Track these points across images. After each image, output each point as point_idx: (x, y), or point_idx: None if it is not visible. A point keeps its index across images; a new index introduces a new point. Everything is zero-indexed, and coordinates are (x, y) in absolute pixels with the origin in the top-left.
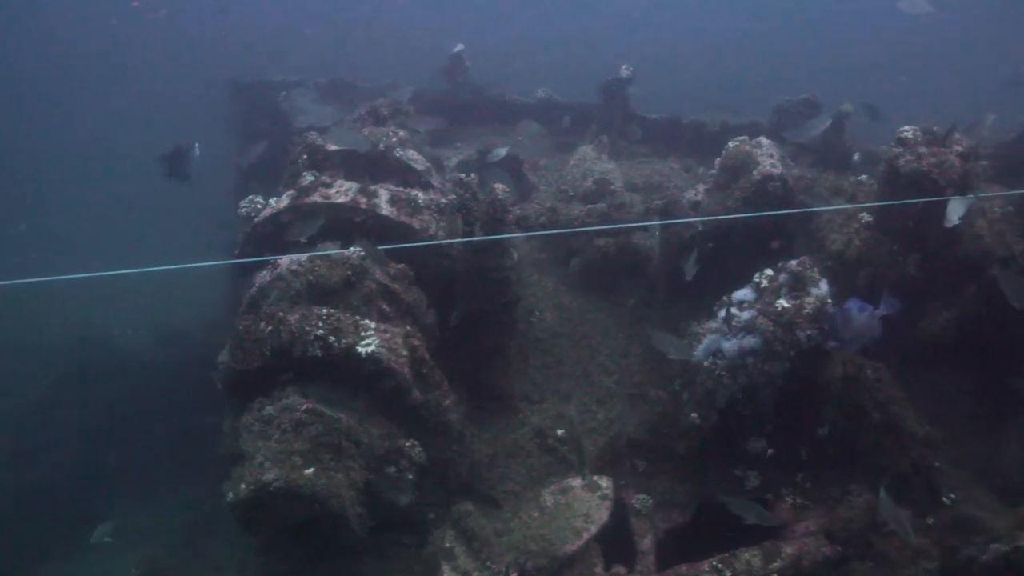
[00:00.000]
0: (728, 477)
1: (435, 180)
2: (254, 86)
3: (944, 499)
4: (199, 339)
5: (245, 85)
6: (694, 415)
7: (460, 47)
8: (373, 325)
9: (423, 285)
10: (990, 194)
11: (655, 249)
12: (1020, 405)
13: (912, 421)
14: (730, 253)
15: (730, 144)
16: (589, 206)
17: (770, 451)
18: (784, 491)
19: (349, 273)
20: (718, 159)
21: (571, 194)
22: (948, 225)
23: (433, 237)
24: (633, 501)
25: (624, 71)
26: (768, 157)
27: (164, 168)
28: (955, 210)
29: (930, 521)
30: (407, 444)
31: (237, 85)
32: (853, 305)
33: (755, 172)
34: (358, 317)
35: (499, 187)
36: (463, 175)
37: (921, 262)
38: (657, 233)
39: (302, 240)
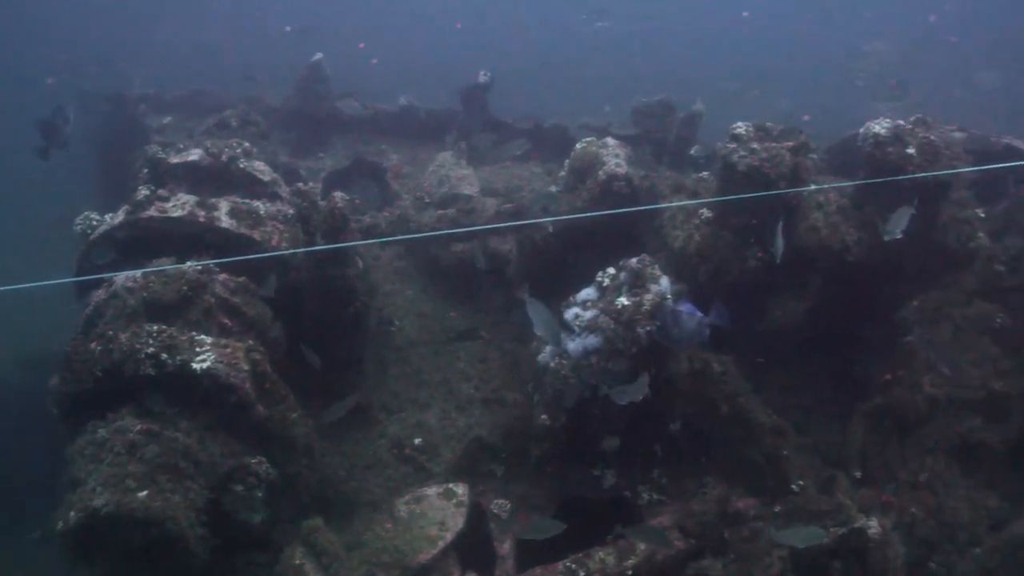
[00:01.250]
0: (585, 477)
1: (284, 190)
2: (112, 98)
3: (793, 486)
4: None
5: (102, 97)
6: (544, 417)
7: (319, 56)
8: (210, 340)
9: (269, 297)
10: (824, 186)
11: (513, 252)
12: (864, 391)
13: (760, 412)
14: (582, 253)
15: (578, 145)
16: (439, 212)
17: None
18: (641, 488)
19: (185, 288)
20: (567, 160)
21: (427, 201)
22: (888, 238)
23: (276, 248)
24: (492, 506)
25: (482, 76)
26: (614, 157)
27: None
28: (896, 223)
29: (778, 508)
30: (253, 461)
31: (89, 95)
32: (684, 308)
33: (601, 172)
34: (194, 333)
35: (338, 195)
36: (301, 185)
37: (759, 255)
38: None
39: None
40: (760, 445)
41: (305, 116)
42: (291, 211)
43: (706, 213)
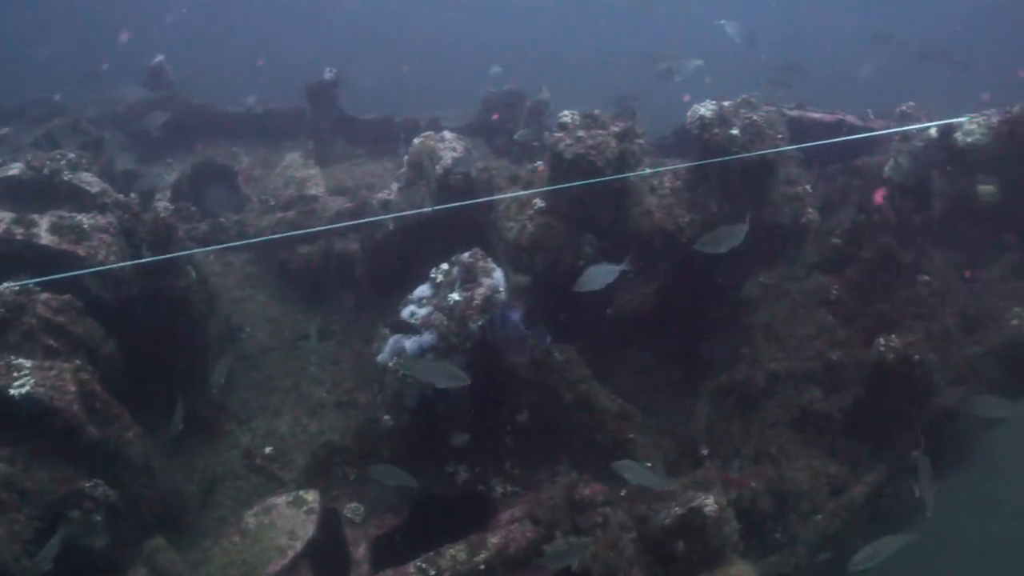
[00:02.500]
0: (438, 474)
1: (125, 198)
2: None
3: None
4: None
5: None
6: (387, 418)
7: (160, 57)
8: (29, 364)
9: (100, 313)
10: (653, 170)
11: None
12: (709, 370)
13: (604, 397)
14: (424, 249)
15: (416, 140)
16: (279, 215)
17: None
18: (494, 481)
19: (2, 311)
20: (405, 156)
21: (272, 203)
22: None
23: (103, 263)
24: (345, 511)
25: (328, 73)
26: (451, 151)
27: None
28: (717, 242)
29: (623, 492)
30: (88, 485)
31: None
32: (510, 314)
33: (438, 167)
34: (12, 357)
35: (162, 205)
36: (122, 196)
37: (595, 241)
38: None
39: None
40: (606, 430)
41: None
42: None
43: (539, 203)
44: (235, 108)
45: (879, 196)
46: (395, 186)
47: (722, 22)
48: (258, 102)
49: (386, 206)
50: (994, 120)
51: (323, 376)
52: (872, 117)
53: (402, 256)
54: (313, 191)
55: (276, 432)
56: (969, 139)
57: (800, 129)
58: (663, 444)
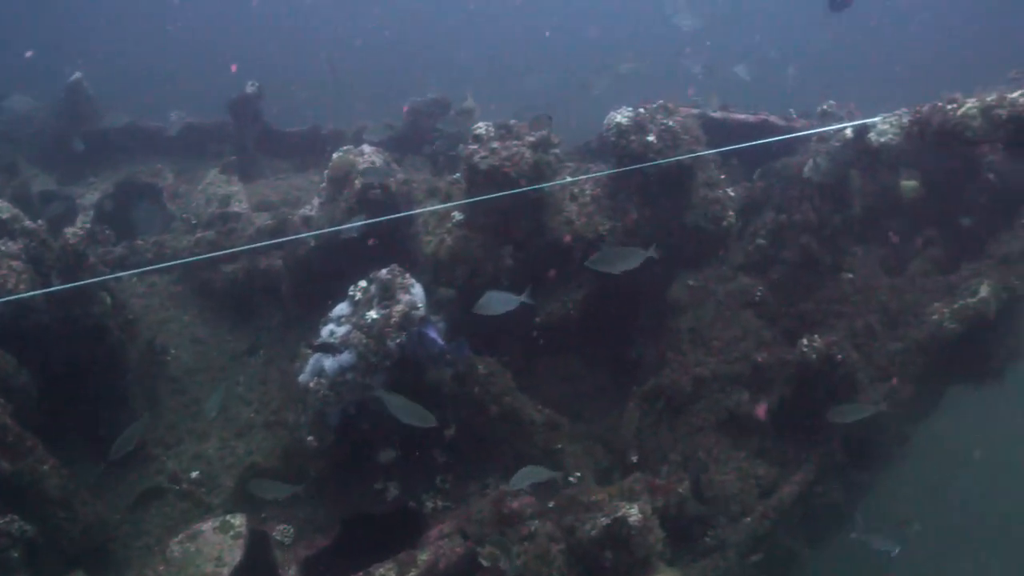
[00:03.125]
0: (368, 492)
1: (31, 225)
2: None
3: (571, 478)
4: None
5: None
6: (311, 439)
7: (77, 75)
8: None
9: (12, 344)
10: (572, 179)
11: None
12: (638, 375)
13: (530, 409)
14: (349, 264)
15: (335, 155)
16: (198, 234)
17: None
18: (425, 496)
19: None
20: (326, 171)
21: (194, 222)
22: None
23: (11, 292)
24: (275, 533)
25: (250, 87)
26: (369, 164)
27: None
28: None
29: (551, 504)
30: (3, 521)
31: None
32: (428, 331)
33: (357, 181)
34: None
35: (70, 231)
36: (29, 223)
37: (514, 252)
38: None
39: None
40: (534, 441)
41: (69, 139)
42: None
43: (457, 216)
44: (160, 124)
45: None
46: (316, 201)
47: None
48: (179, 117)
49: (308, 222)
50: (905, 120)
51: (250, 396)
52: (795, 117)
53: (326, 272)
54: (236, 208)
55: (203, 455)
56: (882, 139)
57: (725, 130)
58: (594, 451)
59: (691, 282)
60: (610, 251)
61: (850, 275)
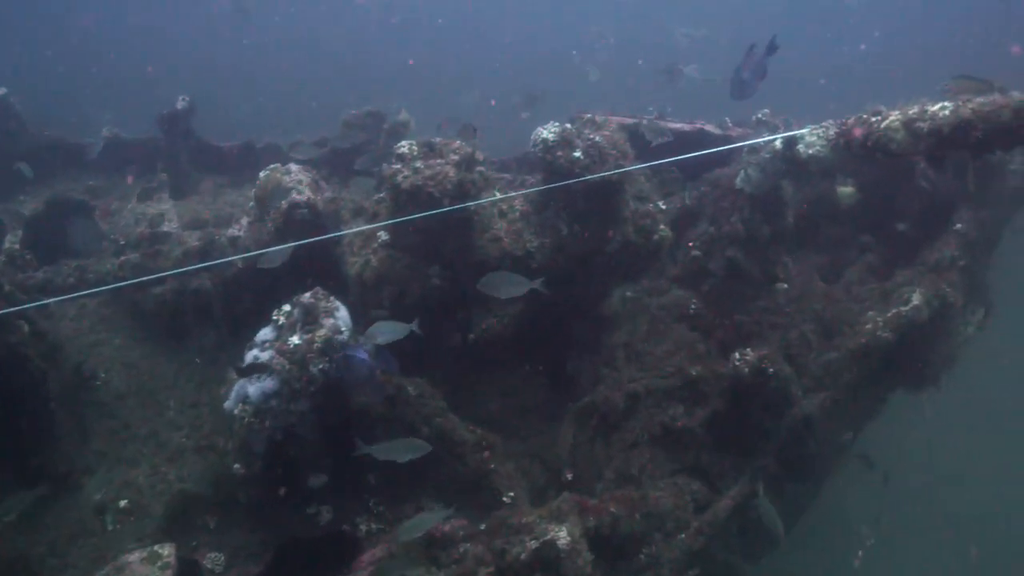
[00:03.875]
0: (300, 517)
1: None
2: None
3: (504, 498)
4: None
5: None
6: (237, 466)
7: (2, 91)
8: None
9: None
10: (493, 198)
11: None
12: (575, 390)
13: (462, 429)
14: (279, 284)
15: (261, 174)
16: (122, 258)
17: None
18: (359, 519)
19: None
20: (253, 190)
21: (122, 243)
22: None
23: None
24: (205, 561)
25: (180, 102)
26: (296, 184)
27: None
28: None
29: (483, 526)
30: None
31: None
32: (355, 353)
33: (283, 201)
34: None
35: None
36: None
37: (442, 272)
38: None
39: None
40: (467, 461)
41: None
42: None
43: (383, 236)
44: (90, 140)
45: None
46: (245, 220)
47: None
48: (111, 132)
49: (235, 243)
50: (832, 132)
51: (182, 421)
52: (730, 125)
53: (257, 292)
54: (166, 227)
55: (133, 483)
56: (811, 151)
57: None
58: (530, 469)
59: (625, 296)
60: (497, 276)
61: (785, 285)
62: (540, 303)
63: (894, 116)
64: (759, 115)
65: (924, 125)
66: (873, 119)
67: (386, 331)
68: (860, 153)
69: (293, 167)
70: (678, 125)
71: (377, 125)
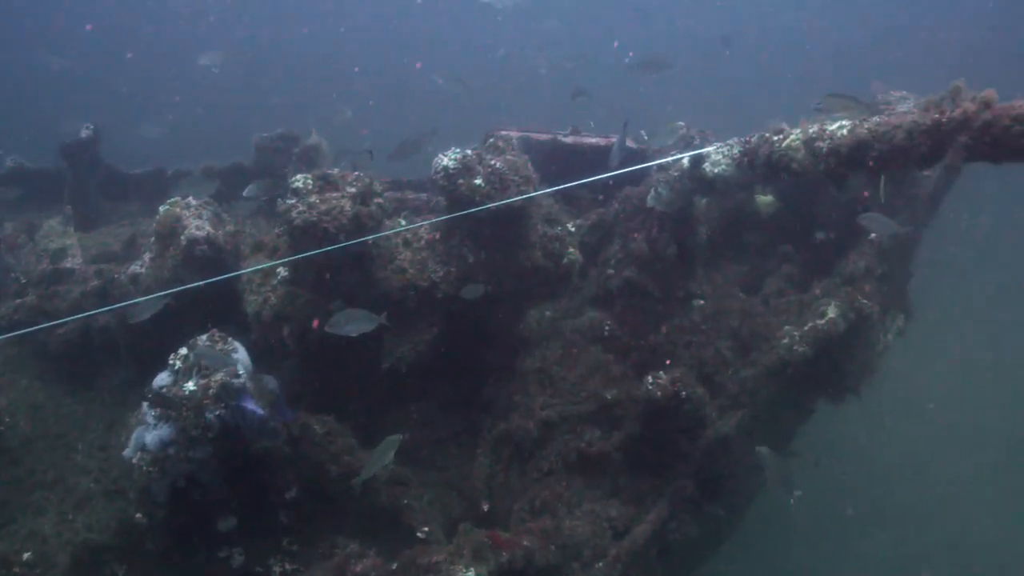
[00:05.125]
0: (213, 561)
1: None
2: None
3: (419, 534)
4: None
5: None
6: (139, 515)
7: None
8: None
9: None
10: (388, 231)
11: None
12: (489, 417)
13: None
14: (184, 321)
15: (161, 208)
16: (17, 301)
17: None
18: (272, 560)
19: None
20: (153, 224)
21: (23, 280)
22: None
23: None
24: None
25: (84, 131)
26: (196, 218)
27: None
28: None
29: (394, 566)
30: None
31: None
32: (246, 404)
33: (182, 237)
34: None
35: None
36: None
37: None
38: None
39: None
40: (380, 498)
41: None
42: None
43: (282, 272)
44: None
45: None
46: (147, 256)
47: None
48: (16, 163)
49: (136, 280)
50: (736, 151)
51: (91, 464)
52: (647, 138)
53: (161, 331)
54: (69, 263)
55: (39, 533)
56: (716, 170)
57: (576, 155)
58: (448, 500)
59: (538, 320)
60: (344, 314)
61: (701, 301)
62: (454, 330)
63: (795, 135)
64: (675, 126)
65: (823, 145)
66: (775, 137)
67: (352, 322)
68: (764, 172)
69: (193, 200)
70: (594, 140)
71: (290, 148)
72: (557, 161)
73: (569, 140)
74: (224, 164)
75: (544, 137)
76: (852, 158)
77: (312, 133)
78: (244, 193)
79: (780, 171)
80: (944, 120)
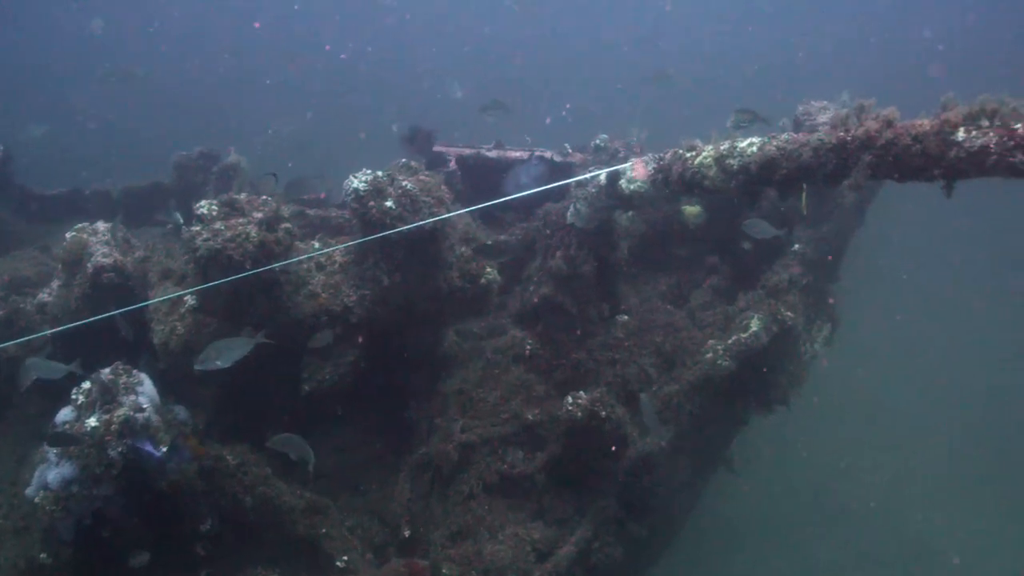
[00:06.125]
0: None
1: None
2: None
3: (338, 562)
4: None
5: None
6: (43, 555)
7: None
8: None
9: None
10: (311, 253)
11: None
12: (411, 440)
13: (288, 495)
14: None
15: (68, 235)
16: None
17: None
18: None
19: None
20: (59, 250)
21: None
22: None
23: None
24: None
25: None
26: (103, 245)
27: None
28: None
29: None
30: None
31: None
32: (142, 445)
33: (88, 265)
34: None
35: None
36: None
37: (255, 334)
38: None
39: None
40: (297, 528)
41: None
42: None
43: (190, 301)
44: None
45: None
46: (55, 284)
47: None
48: None
49: (43, 309)
50: (651, 167)
51: (0, 500)
52: (571, 152)
53: (70, 360)
54: None
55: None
56: (632, 186)
57: (500, 168)
58: (369, 526)
59: (459, 340)
60: (212, 348)
61: (626, 317)
62: (375, 353)
63: (706, 152)
64: (597, 140)
65: (734, 162)
66: (688, 154)
67: (224, 354)
68: (678, 189)
69: (100, 227)
70: (517, 154)
71: (210, 165)
72: (482, 175)
73: (493, 154)
74: (143, 183)
75: (468, 152)
76: (761, 175)
77: (231, 152)
78: (161, 216)
79: (693, 188)
80: (849, 138)
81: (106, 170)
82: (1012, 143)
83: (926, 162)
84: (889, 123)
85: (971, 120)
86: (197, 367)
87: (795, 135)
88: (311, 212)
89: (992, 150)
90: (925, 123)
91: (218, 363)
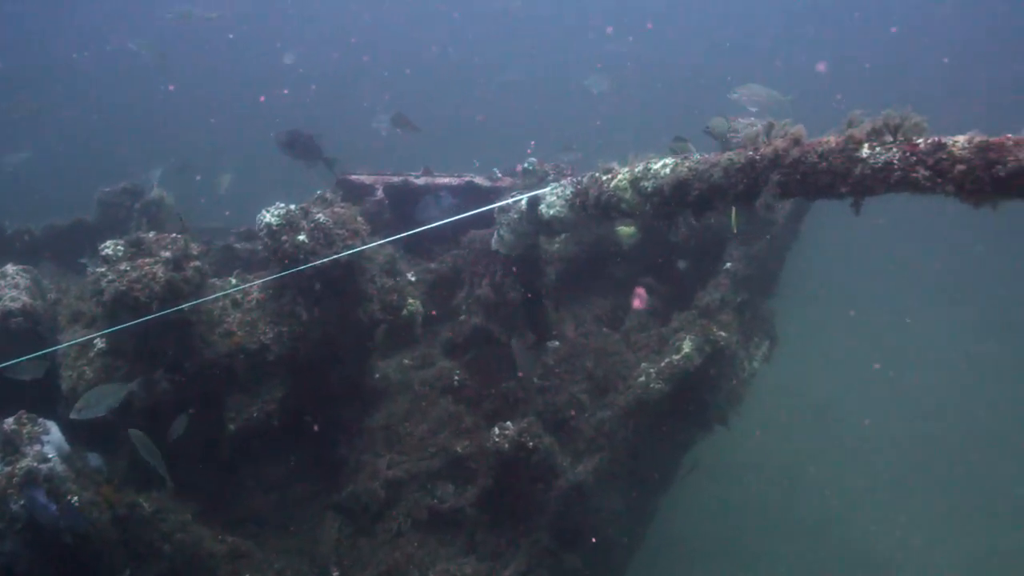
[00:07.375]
0: None
1: None
2: None
3: None
4: None
5: None
6: None
7: None
8: None
9: None
10: (223, 292)
11: None
12: (340, 476)
13: (210, 540)
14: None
15: None
16: None
17: None
18: None
19: None
20: None
21: None
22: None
23: None
24: None
25: None
26: (12, 288)
27: None
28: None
29: None
30: None
31: None
32: (37, 496)
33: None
34: None
35: None
36: None
37: (168, 376)
38: None
39: None
40: (220, 574)
41: None
42: None
43: (100, 344)
44: None
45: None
46: None
47: None
48: None
49: None
50: (568, 192)
51: None
52: (500, 176)
53: None
54: None
55: None
56: (551, 211)
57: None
58: (298, 568)
59: (386, 374)
60: (90, 395)
61: (556, 343)
62: (303, 388)
63: (622, 175)
64: (526, 164)
65: (648, 184)
66: (604, 177)
67: (103, 400)
68: (595, 213)
69: (9, 269)
70: (446, 180)
71: (134, 201)
72: (410, 203)
73: (421, 181)
74: (65, 222)
75: (396, 180)
76: (675, 197)
77: (154, 187)
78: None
79: (610, 211)
80: (757, 157)
81: (31, 209)
82: (915, 159)
83: (833, 179)
84: (796, 141)
85: (875, 136)
86: (73, 416)
87: (706, 156)
88: (239, 246)
89: (896, 166)
90: (831, 140)
91: (95, 411)
